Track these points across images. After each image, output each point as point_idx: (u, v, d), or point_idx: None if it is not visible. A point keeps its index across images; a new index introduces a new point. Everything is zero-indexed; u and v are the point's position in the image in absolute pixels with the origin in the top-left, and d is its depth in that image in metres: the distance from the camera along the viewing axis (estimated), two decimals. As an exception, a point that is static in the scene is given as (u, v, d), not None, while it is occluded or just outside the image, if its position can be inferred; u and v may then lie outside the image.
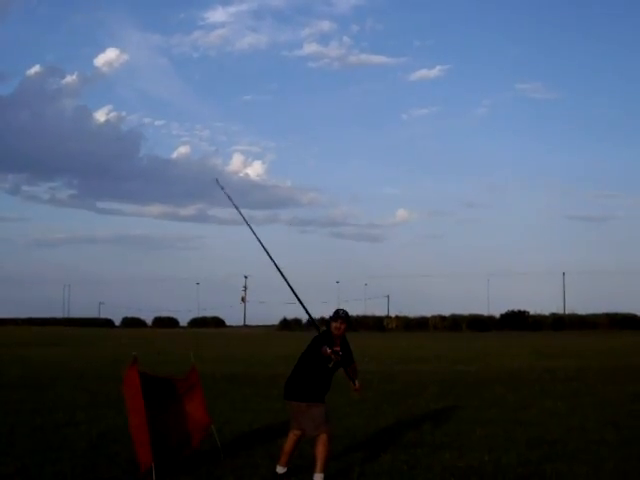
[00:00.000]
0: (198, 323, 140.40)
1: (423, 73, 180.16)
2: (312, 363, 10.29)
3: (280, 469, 10.42)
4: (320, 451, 10.02)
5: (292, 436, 10.47)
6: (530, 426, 14.90)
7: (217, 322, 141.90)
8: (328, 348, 10.09)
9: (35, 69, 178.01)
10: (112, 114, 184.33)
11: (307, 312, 10.58)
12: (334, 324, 10.53)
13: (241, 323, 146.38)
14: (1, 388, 21.36)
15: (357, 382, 10.69)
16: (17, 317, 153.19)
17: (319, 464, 10.00)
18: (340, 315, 10.60)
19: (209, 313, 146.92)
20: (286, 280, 10.57)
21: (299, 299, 10.56)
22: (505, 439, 13.44)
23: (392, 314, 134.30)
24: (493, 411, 17.10)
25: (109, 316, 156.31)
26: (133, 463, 10.93)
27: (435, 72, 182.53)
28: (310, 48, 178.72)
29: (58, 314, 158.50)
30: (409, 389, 21.98)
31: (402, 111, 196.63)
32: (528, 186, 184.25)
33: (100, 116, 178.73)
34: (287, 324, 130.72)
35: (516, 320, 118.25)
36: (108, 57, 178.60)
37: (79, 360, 35.64)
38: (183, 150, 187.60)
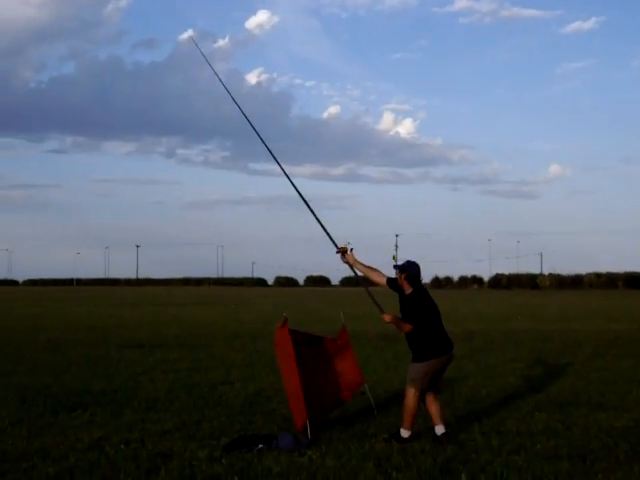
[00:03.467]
0: (350, 282, 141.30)
1: (577, 25, 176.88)
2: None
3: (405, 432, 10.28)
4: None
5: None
6: (691, 386, 14.51)
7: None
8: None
9: (187, 34, 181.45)
10: (263, 76, 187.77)
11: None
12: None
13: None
14: (159, 347, 21.96)
15: (387, 315, 10.26)
16: (173, 277, 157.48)
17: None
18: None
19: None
20: None
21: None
22: (664, 399, 13.12)
23: (545, 272, 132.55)
24: (651, 371, 16.71)
25: (262, 275, 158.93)
26: (289, 420, 11.10)
27: (590, 24, 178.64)
28: (461, 3, 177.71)
29: (212, 274, 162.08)
30: (564, 348, 21.67)
31: (556, 65, 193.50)
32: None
33: (251, 78, 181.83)
34: (438, 282, 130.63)
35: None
36: (259, 20, 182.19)
37: (233, 320, 36.37)
38: (334, 110, 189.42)
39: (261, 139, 11.71)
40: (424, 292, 10.32)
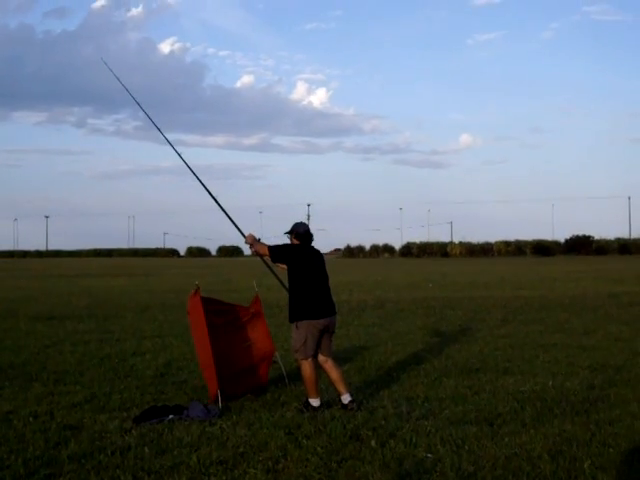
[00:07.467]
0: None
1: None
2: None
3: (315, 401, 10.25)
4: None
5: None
6: (594, 351, 14.83)
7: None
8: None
9: (100, 2, 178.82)
10: (176, 45, 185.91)
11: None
12: None
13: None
14: (69, 319, 21.72)
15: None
16: (83, 249, 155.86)
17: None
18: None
19: (273, 241, 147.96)
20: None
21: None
22: (569, 364, 13.38)
23: (456, 240, 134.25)
24: (557, 336, 17.04)
25: (174, 246, 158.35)
26: (200, 390, 11.11)
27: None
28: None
29: (123, 245, 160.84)
30: (473, 315, 21.98)
31: (467, 36, 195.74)
32: (594, 110, 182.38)
33: (164, 47, 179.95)
34: (351, 251, 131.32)
35: (581, 245, 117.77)
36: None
37: (145, 290, 36.13)
38: (247, 80, 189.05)
39: (146, 113, 11.75)
40: (309, 249, 10.46)
